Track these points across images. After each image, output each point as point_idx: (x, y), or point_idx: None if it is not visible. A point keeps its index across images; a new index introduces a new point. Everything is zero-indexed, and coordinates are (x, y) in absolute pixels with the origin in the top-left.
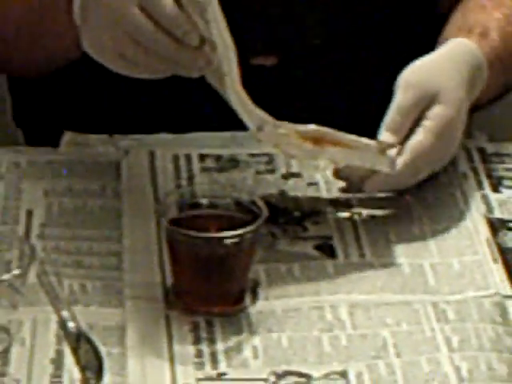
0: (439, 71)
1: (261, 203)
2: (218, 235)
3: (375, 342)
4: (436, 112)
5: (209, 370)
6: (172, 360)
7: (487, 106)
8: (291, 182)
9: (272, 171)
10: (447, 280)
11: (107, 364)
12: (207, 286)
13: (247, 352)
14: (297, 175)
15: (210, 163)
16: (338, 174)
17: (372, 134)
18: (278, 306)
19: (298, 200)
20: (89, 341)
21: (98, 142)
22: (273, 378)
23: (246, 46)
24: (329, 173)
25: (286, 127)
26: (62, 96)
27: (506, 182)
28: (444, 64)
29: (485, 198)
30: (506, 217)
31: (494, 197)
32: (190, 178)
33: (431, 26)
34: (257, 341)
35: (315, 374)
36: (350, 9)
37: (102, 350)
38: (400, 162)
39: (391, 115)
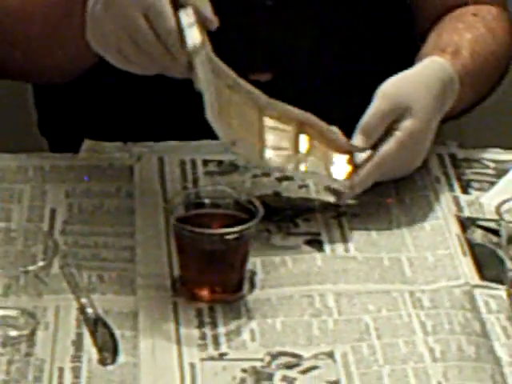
0: (413, 86)
1: (257, 203)
2: (219, 232)
3: (358, 326)
4: (406, 125)
5: (211, 350)
6: (179, 342)
7: (457, 118)
8: (284, 184)
9: (267, 175)
10: (422, 271)
11: (121, 345)
12: (210, 276)
13: (245, 335)
14: (289, 178)
15: (212, 168)
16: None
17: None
18: (272, 294)
19: (291, 200)
20: (105, 325)
21: (114, 149)
22: (268, 358)
23: (243, 63)
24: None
25: (277, 106)
26: (81, 108)
27: (474, 185)
28: (418, 80)
29: (455, 199)
30: (474, 215)
31: (463, 198)
32: (195, 181)
33: (410, 46)
34: (254, 325)
35: (305, 354)
36: (336, 32)
37: (117, 333)
38: (365, 169)
39: (366, 120)
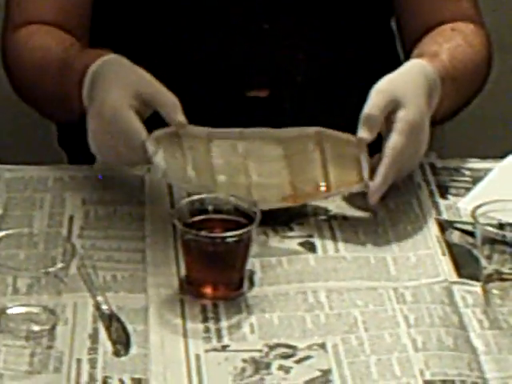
0: (403, 82)
1: (255, 209)
2: (221, 235)
3: (348, 320)
4: (402, 115)
5: (215, 342)
6: (185, 335)
7: (441, 123)
8: None
9: None
10: (405, 269)
11: (133, 338)
12: (213, 276)
13: (245, 328)
14: None
15: None
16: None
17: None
18: (270, 291)
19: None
20: (118, 320)
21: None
22: (266, 349)
23: (242, 81)
24: None
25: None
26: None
27: (452, 191)
28: (406, 78)
29: (435, 204)
30: (452, 219)
31: (442, 203)
32: None
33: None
34: (253, 319)
35: (300, 345)
36: (329, 51)
37: (129, 327)
38: (382, 167)
39: (366, 112)
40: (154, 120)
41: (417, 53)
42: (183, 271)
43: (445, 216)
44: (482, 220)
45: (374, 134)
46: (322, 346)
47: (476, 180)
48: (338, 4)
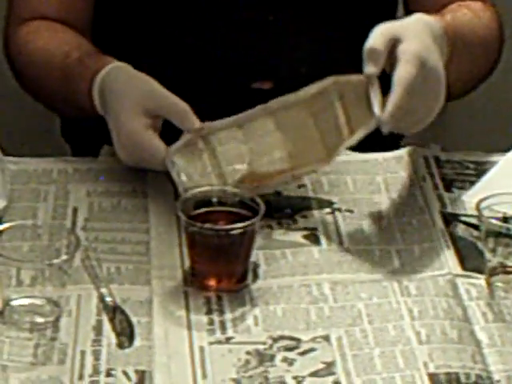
0: (404, 23)
1: (260, 201)
2: (225, 227)
3: (352, 313)
4: (404, 47)
5: (219, 335)
6: (189, 327)
7: (454, 97)
8: (284, 184)
9: None
10: (409, 262)
11: (137, 330)
12: (217, 268)
13: (249, 320)
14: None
15: None
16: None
17: (359, 149)
18: (274, 283)
19: (290, 199)
20: (122, 312)
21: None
22: (270, 341)
23: (246, 72)
24: (314, 176)
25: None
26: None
27: (457, 184)
28: (407, 21)
29: (439, 197)
30: (456, 212)
31: (446, 196)
32: None
33: None
34: (257, 311)
35: (304, 338)
36: (333, 42)
37: (133, 319)
38: (392, 95)
39: (367, 47)
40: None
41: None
42: (187, 263)
43: (449, 209)
44: (486, 213)
45: (380, 67)
46: (326, 338)
47: (480, 173)
48: None
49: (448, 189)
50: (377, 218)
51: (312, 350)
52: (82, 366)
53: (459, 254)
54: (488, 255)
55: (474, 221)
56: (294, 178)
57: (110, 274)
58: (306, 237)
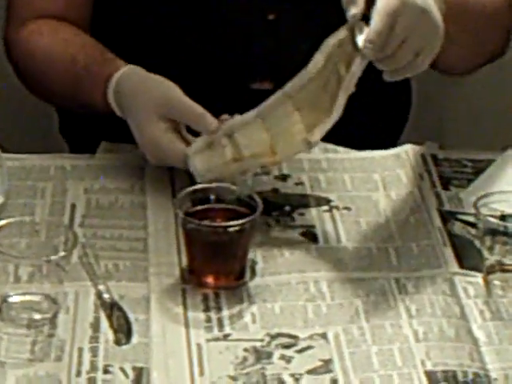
0: None
1: (257, 199)
2: (223, 224)
3: (349, 310)
4: None
5: (216, 332)
6: (187, 324)
7: (457, 71)
8: (282, 181)
9: (267, 173)
10: (407, 260)
11: (135, 327)
12: (215, 265)
13: (247, 318)
14: (287, 176)
15: None
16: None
17: (357, 146)
18: (271, 281)
19: (288, 196)
20: (120, 309)
21: (128, 150)
22: (267, 339)
23: (246, 72)
24: (312, 174)
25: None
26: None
27: (454, 182)
28: None
29: (437, 195)
30: (454, 210)
31: (444, 194)
32: None
33: None
34: (255, 309)
35: (301, 335)
36: None
37: (131, 316)
38: (371, 24)
39: None
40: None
41: None
42: (185, 260)
43: (447, 207)
44: (484, 211)
45: (361, 6)
46: (324, 335)
47: (478, 171)
48: None
49: (446, 187)
50: (374, 215)
51: (309, 347)
52: (80, 362)
53: (457, 252)
54: (485, 253)
55: (471, 219)
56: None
57: (108, 271)
58: (303, 234)
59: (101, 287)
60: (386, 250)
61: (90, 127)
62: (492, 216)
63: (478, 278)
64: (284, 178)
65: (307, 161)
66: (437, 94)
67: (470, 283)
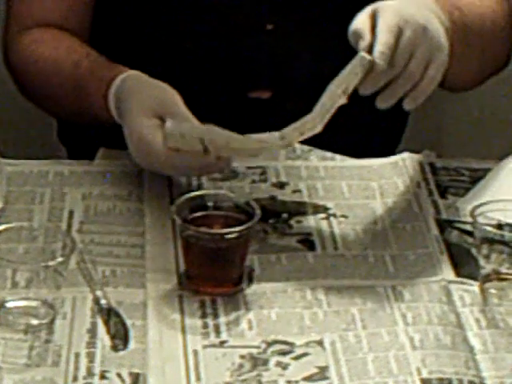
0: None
1: (255, 206)
2: (221, 231)
3: (346, 317)
4: (381, 5)
5: (213, 338)
6: (183, 330)
7: (460, 87)
8: (280, 189)
9: (264, 181)
10: (403, 268)
11: (132, 333)
12: (212, 272)
13: (244, 324)
14: (284, 184)
15: (215, 174)
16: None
17: (355, 155)
18: (268, 288)
19: (285, 204)
20: (117, 315)
21: (126, 156)
22: (264, 346)
23: (244, 82)
24: (310, 182)
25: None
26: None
27: (451, 191)
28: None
29: (434, 203)
30: (450, 218)
31: (441, 202)
32: (199, 186)
33: None
34: (251, 316)
35: (297, 342)
36: (333, 52)
37: (128, 322)
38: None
39: (352, 28)
40: None
41: None
42: (182, 267)
43: (444, 215)
44: (480, 220)
45: (369, 39)
46: (320, 343)
47: (475, 180)
48: (341, 6)
49: (443, 195)
50: (371, 223)
51: (306, 354)
52: (76, 368)
53: (453, 260)
54: (482, 262)
55: (468, 227)
56: None
57: (105, 277)
58: (300, 242)
59: (98, 293)
60: (383, 258)
61: (88, 133)
62: (489, 225)
63: (475, 286)
64: (281, 185)
65: (305, 168)
66: (435, 102)
67: (467, 291)
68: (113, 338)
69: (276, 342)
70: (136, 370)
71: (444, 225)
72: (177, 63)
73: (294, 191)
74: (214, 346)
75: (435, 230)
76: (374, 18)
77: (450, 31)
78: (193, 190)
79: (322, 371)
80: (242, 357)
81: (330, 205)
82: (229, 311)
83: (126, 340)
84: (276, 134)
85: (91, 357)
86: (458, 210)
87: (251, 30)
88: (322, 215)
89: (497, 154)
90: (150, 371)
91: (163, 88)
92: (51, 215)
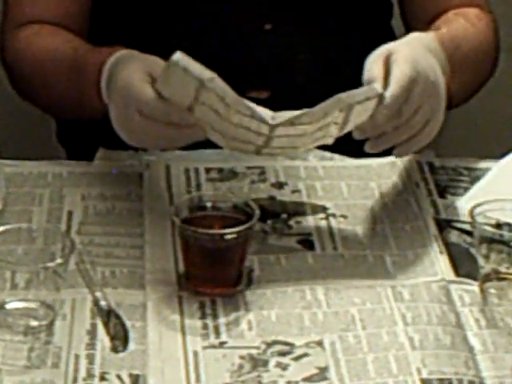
0: (395, 42)
1: (254, 206)
2: (220, 232)
3: (345, 318)
4: (395, 56)
5: (213, 339)
6: (183, 331)
7: (455, 105)
8: (279, 189)
9: (263, 181)
10: (403, 268)
11: (132, 334)
12: (211, 273)
13: (243, 325)
14: (283, 184)
15: (214, 175)
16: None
17: (354, 154)
18: (268, 288)
19: (284, 204)
20: (117, 316)
21: (125, 157)
22: (263, 346)
23: (242, 81)
24: (309, 182)
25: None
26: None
27: (450, 190)
28: (399, 40)
29: (433, 203)
30: (450, 218)
31: (440, 202)
32: (198, 187)
33: None
34: (251, 316)
35: (297, 343)
36: (330, 52)
37: (128, 323)
38: (393, 71)
39: (366, 78)
40: None
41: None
42: (181, 268)
43: (443, 215)
44: (479, 219)
45: (381, 80)
46: (320, 343)
47: (474, 179)
48: (339, 5)
49: (442, 195)
50: (370, 223)
51: (305, 355)
52: (76, 369)
53: (452, 260)
54: (481, 261)
55: (467, 227)
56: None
57: (105, 278)
58: (300, 242)
59: (97, 294)
60: (382, 258)
61: (87, 134)
62: (488, 224)
63: (474, 286)
64: (280, 185)
65: (304, 168)
66: None
67: (466, 291)
68: (112, 339)
69: (276, 342)
70: (136, 372)
71: (443, 224)
72: None
73: (293, 191)
74: (213, 346)
75: (434, 230)
76: (387, 62)
77: (448, 73)
78: (191, 191)
79: (322, 372)
80: (242, 357)
81: (329, 205)
82: (228, 312)
83: (125, 341)
84: (269, 112)
85: (91, 358)
86: (457, 210)
87: (249, 29)
88: (321, 215)
89: (496, 153)
90: (149, 372)
91: (156, 59)
92: (50, 216)
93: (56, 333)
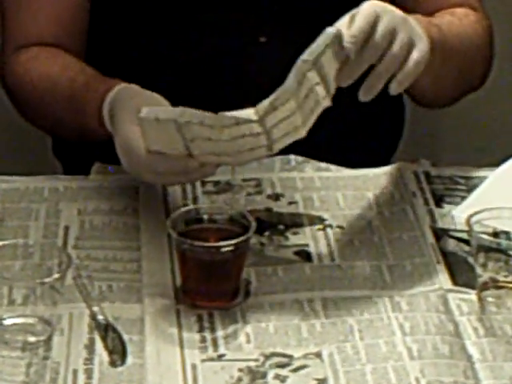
0: None
1: (251, 218)
2: (216, 245)
3: (343, 329)
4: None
5: (211, 352)
6: (181, 345)
7: (438, 102)
8: (275, 201)
9: (260, 192)
10: (400, 278)
11: (129, 348)
12: (209, 285)
13: (241, 338)
14: (280, 195)
15: (210, 187)
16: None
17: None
18: (265, 300)
19: (281, 215)
20: (114, 330)
21: (121, 171)
22: (262, 358)
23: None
24: (305, 193)
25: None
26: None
27: (447, 199)
28: None
29: (430, 212)
30: (446, 227)
31: (437, 211)
32: (194, 199)
33: None
34: (249, 329)
35: (296, 354)
36: None
37: (125, 337)
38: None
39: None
40: None
41: None
42: (179, 281)
43: (440, 224)
44: (476, 228)
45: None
46: (318, 354)
47: (471, 188)
48: (335, 18)
49: (438, 204)
50: (367, 233)
51: (304, 366)
52: None
53: (450, 269)
54: (479, 270)
55: (464, 236)
56: None
57: (102, 293)
58: (297, 253)
59: (95, 309)
60: (380, 268)
61: (83, 148)
62: (485, 233)
63: (472, 294)
64: (277, 197)
65: (300, 179)
66: (430, 111)
67: (464, 300)
68: (110, 353)
69: (274, 354)
70: None
71: (440, 233)
72: (170, 76)
73: (290, 203)
74: (212, 359)
75: (431, 239)
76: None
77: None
78: (188, 204)
79: (321, 383)
80: (241, 370)
81: (325, 216)
82: (226, 325)
83: (123, 355)
84: (250, 109)
85: (89, 373)
86: (454, 219)
87: (245, 42)
88: (318, 226)
89: (492, 162)
90: None
91: (155, 98)
92: (47, 231)
93: (54, 348)
